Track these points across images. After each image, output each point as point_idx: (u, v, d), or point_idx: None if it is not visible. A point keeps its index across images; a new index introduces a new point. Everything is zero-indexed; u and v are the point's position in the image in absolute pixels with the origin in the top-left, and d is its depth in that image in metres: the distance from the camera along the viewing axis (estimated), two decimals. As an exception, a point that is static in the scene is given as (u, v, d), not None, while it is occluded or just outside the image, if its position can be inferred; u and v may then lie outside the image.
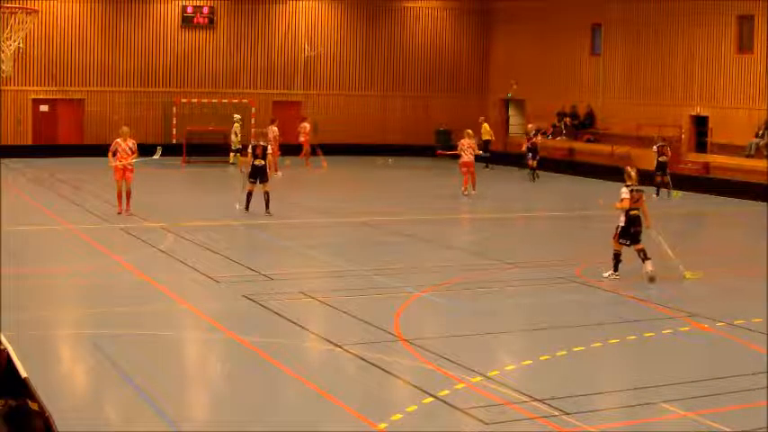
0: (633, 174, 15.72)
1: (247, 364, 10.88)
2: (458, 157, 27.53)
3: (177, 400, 9.71)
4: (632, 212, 15.56)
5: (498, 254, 18.05)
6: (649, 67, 34.79)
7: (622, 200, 15.49)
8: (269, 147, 22.46)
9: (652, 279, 15.37)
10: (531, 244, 20.16)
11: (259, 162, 21.97)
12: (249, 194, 22.16)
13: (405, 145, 40.76)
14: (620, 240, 15.59)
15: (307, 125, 37.23)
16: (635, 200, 15.55)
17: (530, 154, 32.12)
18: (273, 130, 32.43)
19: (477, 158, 36.82)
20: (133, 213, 21.18)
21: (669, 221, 25.13)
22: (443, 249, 18.65)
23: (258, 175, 22.02)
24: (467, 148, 27.26)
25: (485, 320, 13.18)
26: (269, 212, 21.96)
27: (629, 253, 15.65)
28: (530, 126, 33.53)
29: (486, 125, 38.08)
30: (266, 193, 22.06)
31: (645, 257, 15.52)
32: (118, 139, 21.32)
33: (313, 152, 35.29)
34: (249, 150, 22.34)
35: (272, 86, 39.87)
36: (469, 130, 28.78)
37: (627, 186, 15.57)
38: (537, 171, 31.92)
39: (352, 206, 22.42)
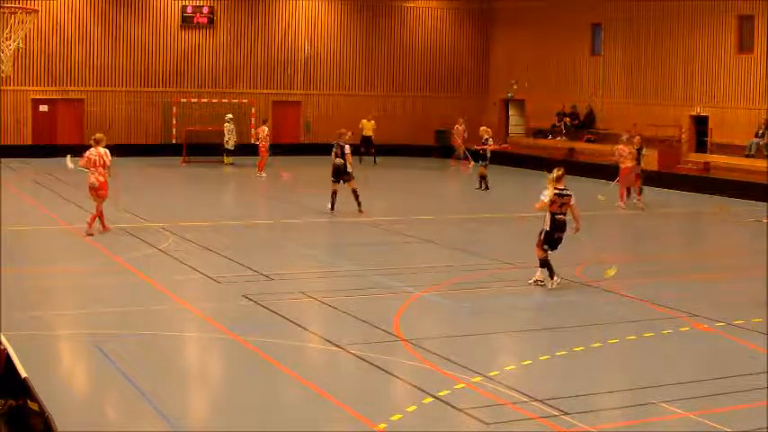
0: (557, 175, 14.58)
1: (247, 364, 10.87)
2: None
3: (177, 400, 9.71)
4: (558, 217, 14.69)
5: (498, 254, 18.05)
6: (649, 67, 34.79)
7: (540, 200, 14.70)
8: (346, 147, 22.11)
9: (537, 283, 14.91)
10: (531, 244, 20.12)
11: (339, 161, 21.98)
12: (334, 194, 22.19)
13: (405, 145, 40.75)
14: (544, 247, 14.85)
15: (461, 127, 36.90)
16: (560, 204, 14.63)
17: (479, 161, 28.53)
18: (264, 130, 32.28)
19: (363, 153, 35.52)
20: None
21: (669, 221, 25.18)
22: (443, 249, 18.65)
23: (339, 174, 22.07)
24: (627, 154, 25.22)
25: (485, 320, 13.19)
26: (361, 210, 22.08)
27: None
28: (482, 129, 29.38)
29: (372, 122, 37.22)
30: (354, 191, 22.18)
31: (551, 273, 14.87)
32: (100, 149, 18.64)
33: (465, 156, 35.16)
34: (334, 150, 22.17)
35: (271, 86, 39.86)
36: (625, 135, 26.73)
37: (550, 188, 14.59)
38: (486, 179, 28.31)
39: (351, 206, 22.38)
